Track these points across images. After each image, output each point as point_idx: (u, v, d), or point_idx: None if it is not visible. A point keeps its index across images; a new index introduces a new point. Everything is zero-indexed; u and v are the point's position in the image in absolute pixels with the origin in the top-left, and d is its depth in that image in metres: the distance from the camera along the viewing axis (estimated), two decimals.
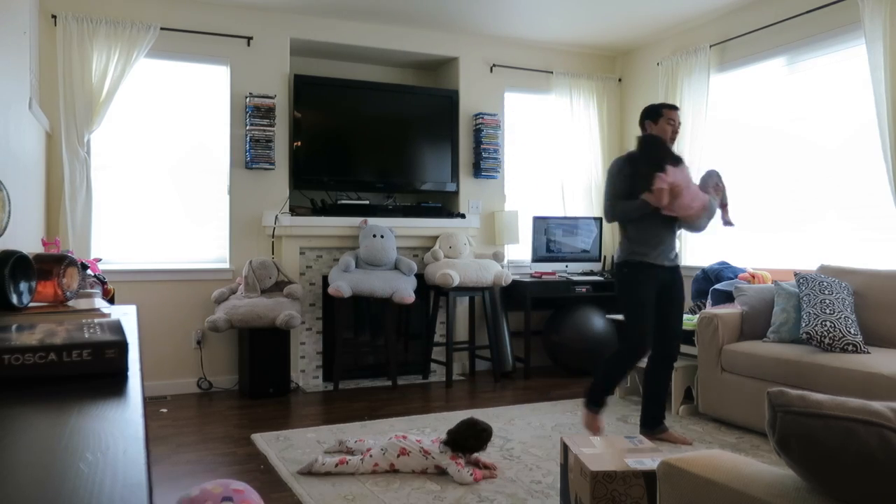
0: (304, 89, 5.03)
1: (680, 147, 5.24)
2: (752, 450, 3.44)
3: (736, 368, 3.80)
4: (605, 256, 5.93)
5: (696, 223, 3.52)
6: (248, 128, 4.82)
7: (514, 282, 5.33)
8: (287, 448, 3.45)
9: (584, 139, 5.85)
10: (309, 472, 3.05)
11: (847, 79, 4.27)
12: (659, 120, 3.57)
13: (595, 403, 3.52)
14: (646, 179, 3.40)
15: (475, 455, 3.16)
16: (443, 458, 3.02)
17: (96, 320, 1.08)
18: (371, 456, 3.07)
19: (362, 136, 5.21)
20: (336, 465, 3.04)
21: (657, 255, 3.49)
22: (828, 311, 3.55)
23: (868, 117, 4.11)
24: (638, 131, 5.80)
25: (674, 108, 3.59)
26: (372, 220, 5.03)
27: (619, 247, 3.60)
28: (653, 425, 3.60)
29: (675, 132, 3.59)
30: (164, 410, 4.28)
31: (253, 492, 1.98)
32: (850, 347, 3.43)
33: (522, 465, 3.20)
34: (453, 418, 3.96)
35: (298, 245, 5.00)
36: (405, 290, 4.83)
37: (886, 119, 3.85)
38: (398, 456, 3.05)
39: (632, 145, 5.90)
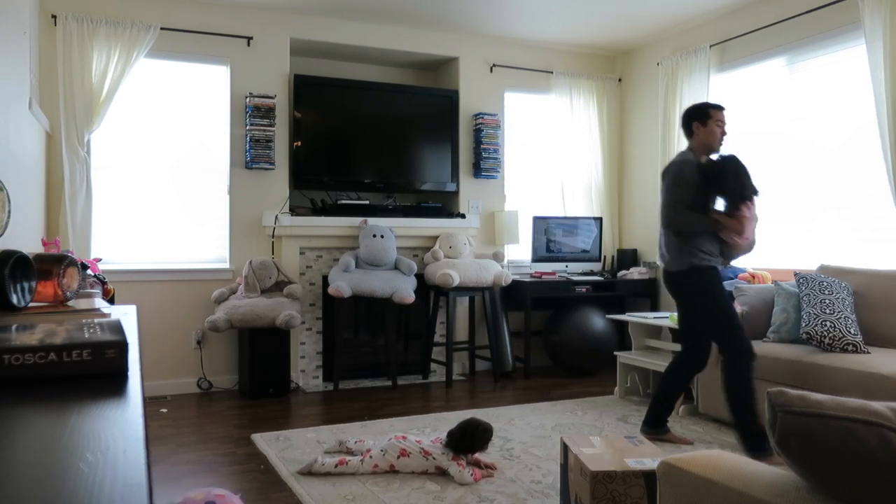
0: (304, 89, 5.03)
1: (679, 147, 5.24)
2: None
3: None
4: (605, 256, 5.93)
5: (735, 254, 3.41)
6: (248, 128, 4.82)
7: (514, 282, 5.33)
8: (287, 448, 3.45)
9: (584, 139, 5.85)
10: (309, 473, 3.05)
11: (847, 79, 4.27)
12: (708, 122, 3.41)
13: (761, 436, 3.22)
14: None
15: (476, 455, 3.17)
16: (444, 459, 3.02)
17: (96, 320, 1.08)
18: (371, 457, 3.07)
19: (362, 136, 5.21)
20: (336, 466, 3.04)
21: (717, 261, 3.40)
22: (828, 311, 3.55)
23: (868, 117, 4.11)
24: (637, 133, 5.76)
25: (722, 108, 3.45)
26: (372, 220, 5.03)
27: (679, 253, 3.37)
28: (657, 426, 3.57)
29: (724, 135, 3.44)
30: (164, 410, 4.28)
31: (235, 496, 1.97)
32: (850, 347, 3.43)
33: (522, 465, 3.20)
34: (453, 418, 3.96)
35: (298, 245, 5.00)
36: (405, 290, 4.83)
37: (886, 119, 3.84)
38: (398, 457, 3.05)
39: (633, 145, 5.94)
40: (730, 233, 3.31)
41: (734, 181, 3.29)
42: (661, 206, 3.43)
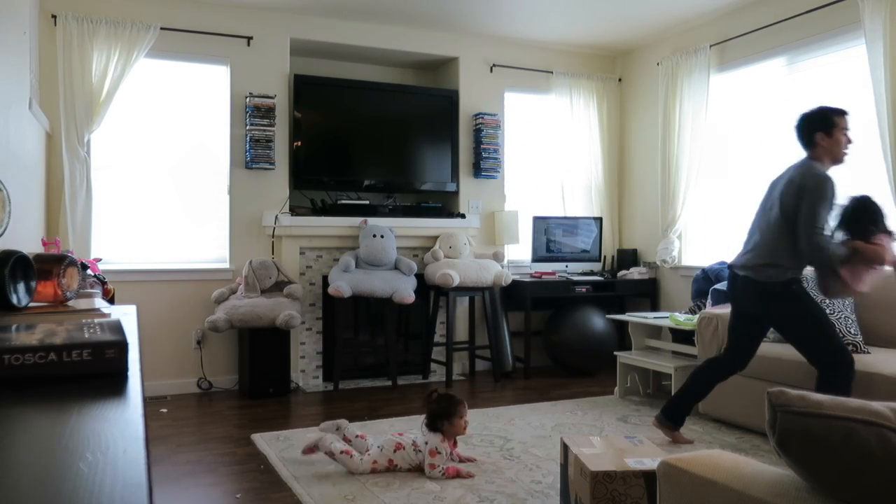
0: (304, 89, 5.03)
1: (679, 147, 5.24)
2: (752, 450, 3.44)
3: None
4: (605, 256, 5.93)
5: (840, 292, 3.12)
6: (248, 128, 4.82)
7: (514, 282, 5.33)
8: (287, 448, 3.45)
9: (584, 139, 5.85)
10: (314, 447, 3.11)
11: (847, 79, 4.27)
12: (833, 131, 3.09)
13: None
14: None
15: (457, 450, 3.20)
16: (426, 449, 3.03)
17: (96, 320, 1.08)
18: (370, 454, 3.07)
19: (362, 136, 5.21)
20: (341, 452, 3.06)
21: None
22: (828, 311, 3.55)
23: (868, 117, 4.11)
24: (637, 133, 5.73)
25: (845, 113, 3.12)
26: (372, 220, 5.03)
27: (780, 266, 3.12)
28: (676, 420, 3.49)
29: (849, 142, 3.12)
30: (164, 410, 4.28)
31: None
32: (850, 347, 3.43)
33: (522, 465, 3.20)
34: None
35: (298, 245, 5.00)
36: (405, 290, 4.83)
37: (886, 119, 3.85)
38: (394, 451, 3.06)
39: (633, 145, 5.94)
40: (860, 270, 3.02)
41: (874, 218, 3.06)
42: (790, 219, 3.09)
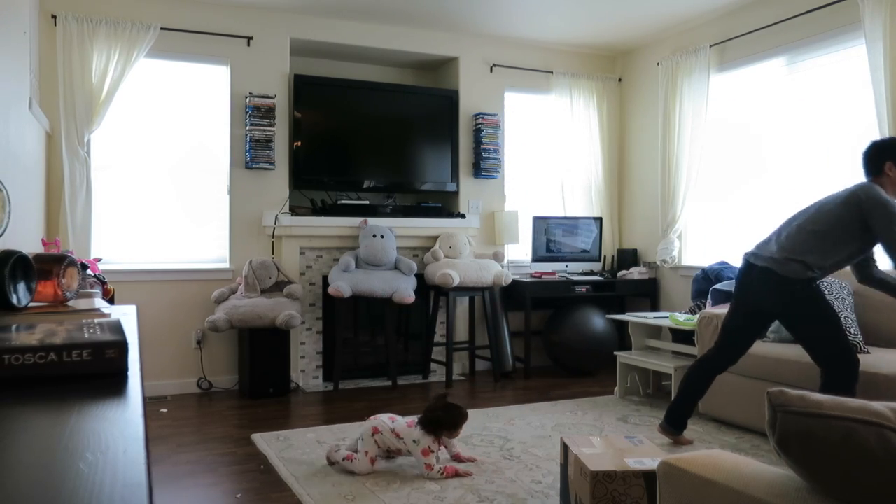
0: (304, 89, 5.03)
1: (679, 147, 5.24)
2: (752, 450, 3.44)
3: (736, 368, 3.79)
4: (605, 256, 5.93)
5: None
6: (248, 128, 4.82)
7: (514, 282, 5.33)
8: (287, 448, 3.45)
9: (584, 139, 5.85)
10: (328, 459, 3.13)
11: (847, 79, 4.27)
12: None
13: None
14: None
15: (456, 450, 3.19)
16: (414, 448, 3.01)
17: (96, 320, 1.08)
18: (359, 452, 3.06)
19: (362, 136, 5.21)
20: (343, 459, 3.06)
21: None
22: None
23: (868, 117, 4.11)
24: (637, 133, 5.72)
25: None
26: (372, 220, 5.03)
27: (806, 264, 3.10)
28: (680, 426, 3.47)
29: None
30: (164, 410, 4.28)
31: None
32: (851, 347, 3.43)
33: (522, 465, 3.20)
34: None
35: (298, 245, 5.00)
36: (405, 290, 4.83)
37: (886, 119, 3.84)
38: (372, 435, 3.06)
39: (633, 145, 5.94)
40: None
41: None
42: (837, 227, 3.08)
